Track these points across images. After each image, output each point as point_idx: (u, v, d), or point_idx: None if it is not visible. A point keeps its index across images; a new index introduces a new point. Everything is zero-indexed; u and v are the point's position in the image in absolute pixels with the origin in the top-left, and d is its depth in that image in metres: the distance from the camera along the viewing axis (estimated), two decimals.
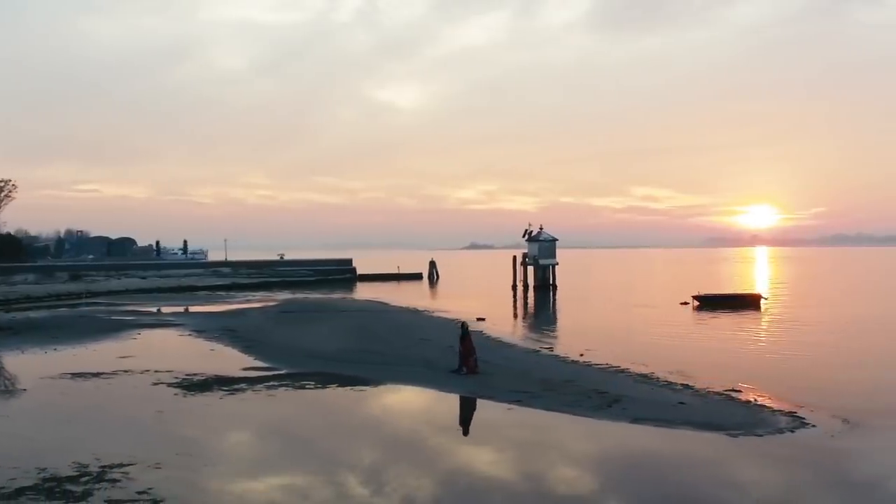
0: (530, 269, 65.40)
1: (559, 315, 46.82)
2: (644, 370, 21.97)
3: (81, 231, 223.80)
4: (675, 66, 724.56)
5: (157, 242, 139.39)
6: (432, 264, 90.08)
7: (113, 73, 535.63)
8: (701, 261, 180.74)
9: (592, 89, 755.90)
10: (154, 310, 46.68)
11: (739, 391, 18.58)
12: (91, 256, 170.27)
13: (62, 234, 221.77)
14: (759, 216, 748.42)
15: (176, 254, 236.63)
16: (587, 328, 37.27)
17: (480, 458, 13.44)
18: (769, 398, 17.79)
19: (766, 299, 47.15)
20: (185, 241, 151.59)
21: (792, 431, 14.70)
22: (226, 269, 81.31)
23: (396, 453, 13.68)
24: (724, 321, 38.86)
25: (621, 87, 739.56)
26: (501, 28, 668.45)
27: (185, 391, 19.64)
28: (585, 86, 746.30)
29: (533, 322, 41.82)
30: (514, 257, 67.09)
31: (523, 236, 66.52)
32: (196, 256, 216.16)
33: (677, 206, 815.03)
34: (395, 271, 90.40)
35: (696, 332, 34.66)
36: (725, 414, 16.10)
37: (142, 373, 22.57)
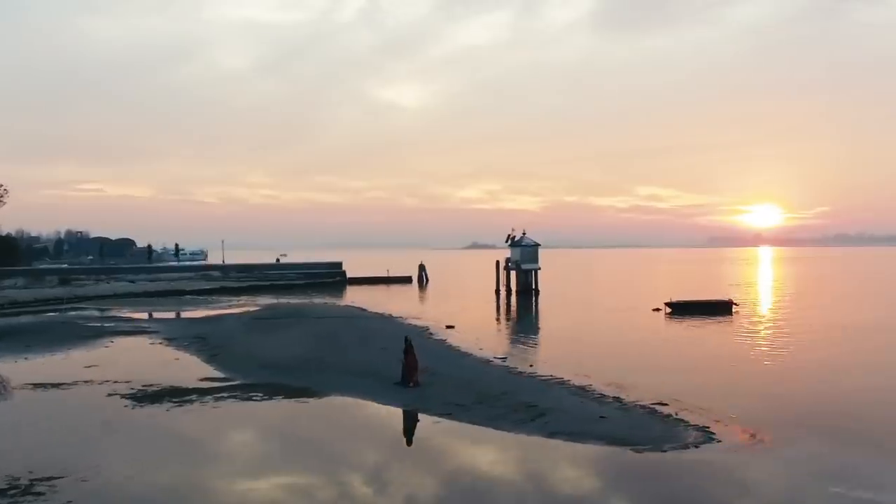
0: (514, 273, 66.00)
1: (532, 322, 47.49)
2: (585, 382, 22.68)
3: (80, 232, 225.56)
4: (677, 65, 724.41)
5: (150, 246, 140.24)
6: (422, 267, 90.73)
7: (115, 73, 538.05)
8: (700, 261, 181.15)
9: (595, 89, 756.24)
10: (134, 316, 47.46)
11: (666, 405, 19.26)
12: (90, 257, 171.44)
13: (62, 235, 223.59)
14: (763, 215, 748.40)
15: (174, 254, 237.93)
16: (554, 336, 38.03)
17: (370, 466, 14.19)
18: (691, 412, 18.47)
19: (737, 305, 47.76)
20: (177, 245, 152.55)
21: (696, 447, 15.41)
22: (216, 273, 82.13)
23: (310, 464, 14.45)
24: (691, 328, 39.54)
25: (624, 86, 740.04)
26: (504, 27, 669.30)
27: (136, 403, 20.44)
28: (588, 85, 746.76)
29: (502, 329, 42.50)
30: (498, 262, 67.81)
31: (506, 241, 67.23)
32: (196, 257, 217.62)
33: (681, 205, 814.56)
34: (385, 274, 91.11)
35: (657, 340, 35.31)
36: (641, 428, 16.80)
37: (101, 383, 23.38)
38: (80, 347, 32.10)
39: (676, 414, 18.18)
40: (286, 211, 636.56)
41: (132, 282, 73.56)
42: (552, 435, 16.18)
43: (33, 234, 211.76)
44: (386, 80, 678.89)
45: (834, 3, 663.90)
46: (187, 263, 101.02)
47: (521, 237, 65.76)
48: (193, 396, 21.09)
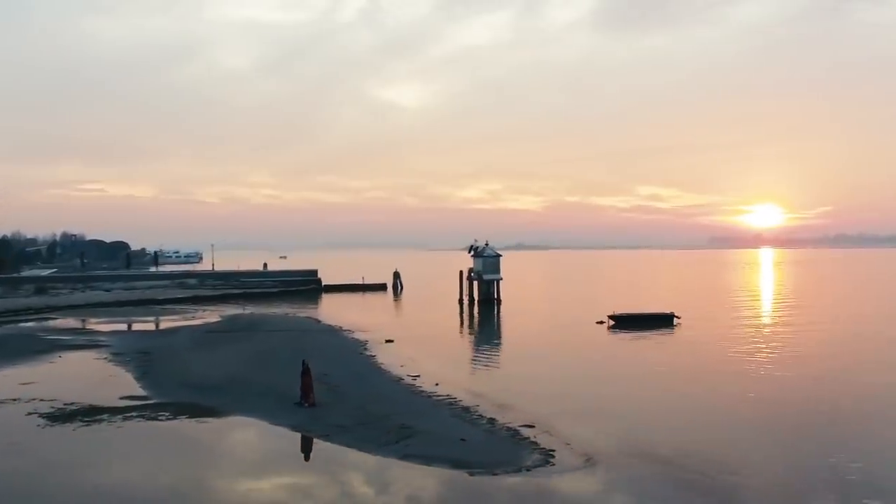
0: (477, 283, 67.56)
1: (475, 336, 49.22)
2: (475, 402, 24.31)
3: (75, 235, 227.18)
4: (679, 65, 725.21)
5: (128, 255, 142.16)
6: (396, 275, 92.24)
7: (118, 73, 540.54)
8: (695, 264, 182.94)
9: (596, 88, 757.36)
10: (95, 327, 49.08)
11: (532, 426, 20.88)
12: (86, 261, 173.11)
13: (58, 238, 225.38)
14: (765, 215, 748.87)
15: (170, 256, 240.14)
16: (485, 352, 39.75)
17: (209, 483, 15.84)
18: (550, 435, 20.08)
19: (678, 318, 49.32)
20: (156, 252, 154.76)
21: (528, 470, 17.03)
22: (192, 281, 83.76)
23: (158, 479, 16.11)
24: (624, 342, 41.21)
25: (625, 86, 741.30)
26: (505, 27, 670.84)
27: (50, 422, 22.10)
28: (589, 85, 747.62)
29: (441, 344, 43.35)
30: (461, 272, 69.36)
31: (469, 251, 68.84)
32: (190, 259, 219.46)
33: (683, 205, 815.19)
34: (361, 282, 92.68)
35: (582, 355, 36.88)
36: (490, 452, 18.42)
37: (28, 401, 25.00)
38: (27, 363, 33.72)
39: (534, 437, 19.79)
40: (287, 211, 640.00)
41: (108, 290, 75.24)
42: (405, 457, 17.81)
43: (30, 236, 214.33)
44: (387, 79, 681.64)
45: (836, 3, 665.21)
46: (164, 271, 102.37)
47: (484, 248, 67.32)
48: (105, 416, 22.73)
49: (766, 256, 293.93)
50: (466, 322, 56.78)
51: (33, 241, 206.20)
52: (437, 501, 15.27)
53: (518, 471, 16.96)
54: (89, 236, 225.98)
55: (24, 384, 28.19)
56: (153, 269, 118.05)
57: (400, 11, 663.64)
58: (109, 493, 15.89)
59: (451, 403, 24.24)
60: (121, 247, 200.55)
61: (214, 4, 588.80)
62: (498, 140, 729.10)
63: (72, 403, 24.44)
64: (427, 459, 17.65)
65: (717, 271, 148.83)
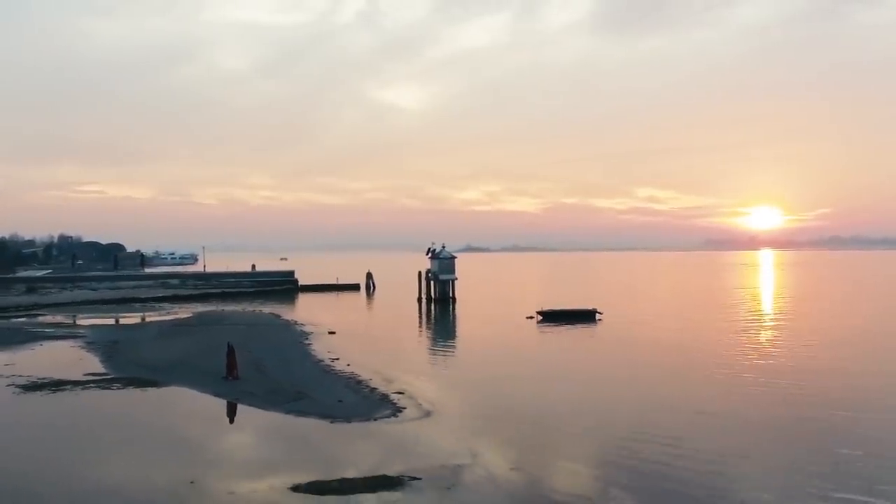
0: (434, 283, 73.20)
1: (416, 328, 54.95)
2: (370, 377, 29.91)
3: (71, 237, 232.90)
4: (677, 66, 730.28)
5: (116, 256, 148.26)
6: (369, 276, 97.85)
7: (116, 74, 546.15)
8: (678, 266, 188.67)
9: (594, 90, 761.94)
10: (75, 322, 54.73)
11: (402, 393, 26.52)
12: (80, 261, 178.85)
13: (55, 240, 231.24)
14: (763, 217, 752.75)
15: (165, 258, 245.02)
16: (411, 339, 45.39)
17: (145, 430, 21.49)
18: (409, 398, 25.69)
19: (601, 314, 54.92)
20: (142, 254, 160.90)
21: (376, 420, 22.63)
22: (174, 281, 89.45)
23: (101, 431, 21.75)
24: (539, 334, 46.82)
25: (623, 87, 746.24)
26: (503, 29, 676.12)
27: (23, 391, 27.71)
28: (587, 87, 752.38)
29: (378, 334, 48.72)
30: (420, 273, 75.01)
31: (427, 254, 74.53)
32: (185, 261, 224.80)
33: (680, 207, 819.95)
34: (335, 282, 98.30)
35: (493, 343, 42.51)
36: (358, 408, 24.04)
37: (8, 377, 30.60)
38: (11, 350, 39.30)
39: (398, 400, 25.42)
40: (286, 212, 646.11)
41: (94, 290, 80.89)
42: (288, 412, 23.46)
43: (28, 237, 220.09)
44: (385, 81, 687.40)
45: (834, 5, 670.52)
46: (149, 272, 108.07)
47: (441, 251, 72.96)
48: (68, 387, 28.37)
49: (761, 258, 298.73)
50: (415, 317, 62.35)
51: (31, 243, 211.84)
52: (294, 438, 20.86)
53: (368, 420, 22.60)
54: (88, 238, 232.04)
55: (6, 365, 33.77)
56: (146, 270, 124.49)
57: (398, 13, 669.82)
58: (60, 431, 21.52)
59: (350, 378, 29.89)
60: (117, 249, 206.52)
61: (213, 6, 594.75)
62: (496, 142, 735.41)
63: (43, 378, 30.07)
64: (304, 413, 23.30)
65: (698, 273, 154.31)
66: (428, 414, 23.64)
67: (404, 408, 24.26)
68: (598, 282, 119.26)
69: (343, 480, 16.36)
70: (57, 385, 28.71)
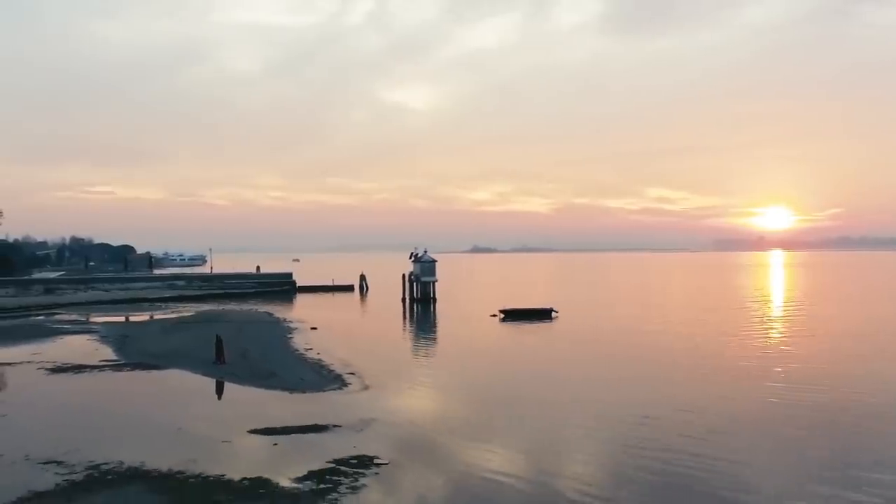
0: (416, 284, 79.81)
1: (392, 324, 61.45)
2: (331, 363, 36.43)
3: (83, 239, 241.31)
4: (686, 67, 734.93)
5: (125, 258, 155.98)
6: (362, 277, 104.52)
7: (126, 76, 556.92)
8: (680, 266, 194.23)
9: (604, 90, 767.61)
10: (91, 319, 61.61)
11: (353, 374, 33.06)
12: (92, 263, 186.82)
13: (67, 241, 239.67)
14: (774, 218, 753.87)
15: (175, 259, 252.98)
16: (384, 333, 51.90)
17: (147, 401, 28.12)
18: (358, 377, 32.23)
19: (556, 313, 61.26)
20: (150, 256, 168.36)
21: (325, 391, 29.18)
22: (180, 282, 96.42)
23: (112, 400, 28.40)
24: (497, 330, 53.26)
25: (633, 88, 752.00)
26: (512, 30, 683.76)
27: (51, 373, 34.44)
28: (597, 87, 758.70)
29: (355, 330, 55.56)
30: (404, 275, 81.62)
31: (410, 257, 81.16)
32: (194, 262, 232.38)
33: (692, 207, 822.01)
34: (331, 283, 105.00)
35: (452, 337, 49.00)
36: (314, 384, 30.60)
37: (38, 363, 37.33)
38: (36, 342, 46.16)
39: (347, 378, 31.98)
40: (296, 213, 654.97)
41: (106, 290, 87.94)
42: (260, 387, 30.05)
43: (40, 239, 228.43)
44: (395, 82, 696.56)
45: (844, 5, 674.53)
46: (158, 273, 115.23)
47: (423, 254, 79.55)
48: (87, 370, 35.10)
49: (770, 259, 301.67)
50: (397, 315, 68.88)
51: (43, 245, 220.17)
52: (259, 403, 27.42)
53: (319, 391, 29.17)
54: (98, 239, 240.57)
55: (34, 354, 40.56)
56: (156, 271, 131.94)
57: (407, 14, 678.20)
58: (84, 400, 28.19)
59: (316, 363, 36.48)
60: (127, 250, 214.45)
61: (222, 8, 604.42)
62: (506, 142, 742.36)
63: (66, 363, 36.81)
64: (272, 388, 29.90)
65: (700, 274, 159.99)
66: (367, 387, 30.20)
67: (350, 384, 30.83)
68: (599, 282, 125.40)
69: (286, 427, 22.91)
70: (78, 368, 35.44)
